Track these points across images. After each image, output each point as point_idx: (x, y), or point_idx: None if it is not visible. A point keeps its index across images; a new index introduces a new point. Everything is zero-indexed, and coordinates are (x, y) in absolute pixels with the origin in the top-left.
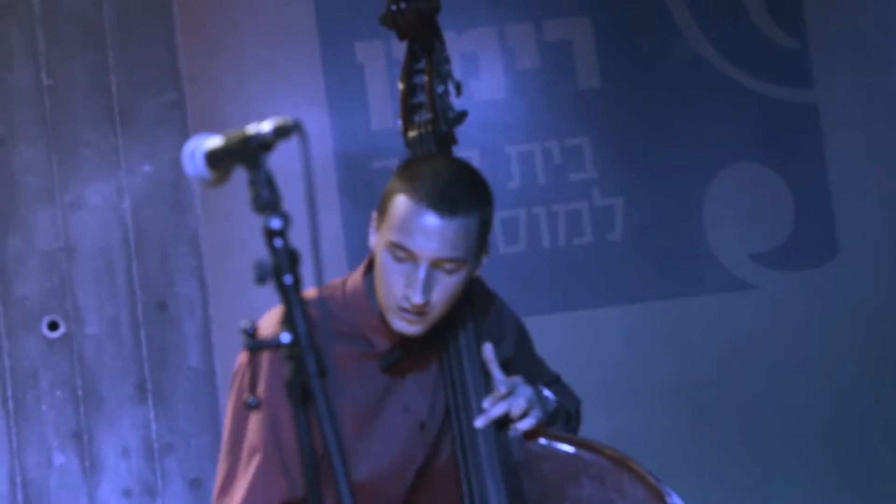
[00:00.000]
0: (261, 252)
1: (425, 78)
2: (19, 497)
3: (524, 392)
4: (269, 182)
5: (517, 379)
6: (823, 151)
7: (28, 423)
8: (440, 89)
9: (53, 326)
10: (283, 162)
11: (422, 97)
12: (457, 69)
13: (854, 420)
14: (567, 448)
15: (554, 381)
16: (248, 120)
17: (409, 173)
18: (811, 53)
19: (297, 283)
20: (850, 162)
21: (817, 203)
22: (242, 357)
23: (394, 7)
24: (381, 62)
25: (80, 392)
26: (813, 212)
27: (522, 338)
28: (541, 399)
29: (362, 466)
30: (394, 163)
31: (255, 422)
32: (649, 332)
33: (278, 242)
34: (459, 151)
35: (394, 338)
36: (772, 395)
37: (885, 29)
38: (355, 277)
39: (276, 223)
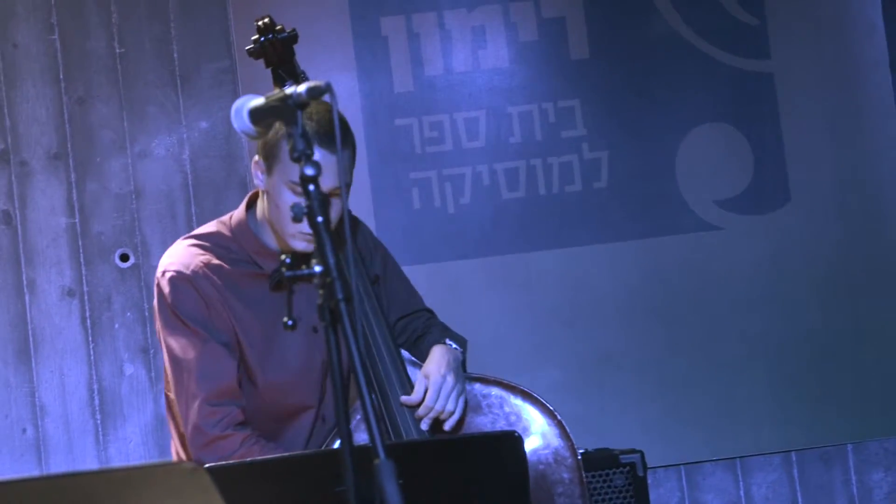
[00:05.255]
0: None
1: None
2: (96, 401)
3: (448, 387)
4: (304, 135)
5: (438, 385)
6: (778, 113)
7: (103, 339)
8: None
9: (124, 258)
10: None
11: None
12: (467, 41)
13: (802, 342)
14: (469, 385)
15: (431, 314)
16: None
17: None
18: (769, 30)
19: (327, 222)
20: (801, 122)
21: (773, 157)
22: (158, 288)
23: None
24: (402, 34)
25: (146, 313)
26: (769, 164)
27: (388, 258)
28: (458, 369)
29: (270, 373)
30: (412, 121)
31: (181, 330)
32: (630, 266)
33: (311, 187)
34: (469, 112)
35: (277, 259)
36: (734, 321)
37: (833, 8)
38: (238, 214)
39: (309, 171)
